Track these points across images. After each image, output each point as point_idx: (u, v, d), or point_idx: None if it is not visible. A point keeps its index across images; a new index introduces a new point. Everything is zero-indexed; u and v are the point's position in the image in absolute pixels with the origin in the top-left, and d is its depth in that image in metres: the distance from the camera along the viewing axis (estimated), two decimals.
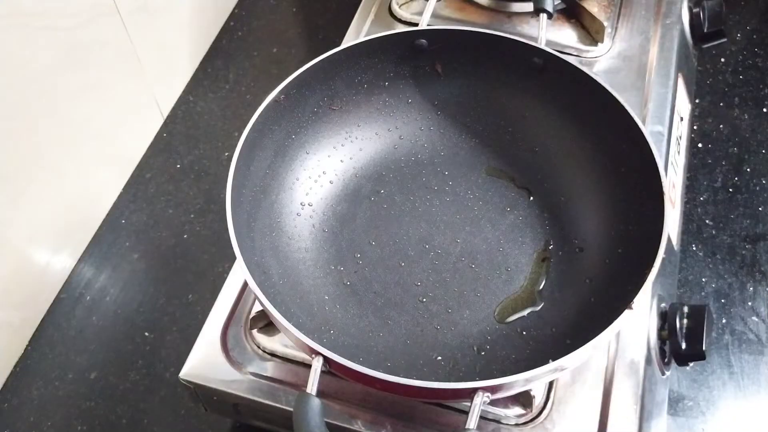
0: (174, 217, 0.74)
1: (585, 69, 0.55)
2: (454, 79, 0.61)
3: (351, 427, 0.50)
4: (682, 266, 0.69)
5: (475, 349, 0.52)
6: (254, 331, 0.54)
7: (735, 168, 0.76)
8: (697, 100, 0.80)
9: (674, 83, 0.67)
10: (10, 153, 0.59)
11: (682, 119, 0.68)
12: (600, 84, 0.54)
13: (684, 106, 0.70)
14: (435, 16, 0.70)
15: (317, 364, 0.43)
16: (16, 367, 0.66)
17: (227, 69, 0.86)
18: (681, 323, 0.54)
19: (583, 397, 0.51)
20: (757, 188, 0.74)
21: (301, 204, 0.58)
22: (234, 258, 0.46)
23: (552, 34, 0.69)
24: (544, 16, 0.61)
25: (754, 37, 0.87)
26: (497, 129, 0.61)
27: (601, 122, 0.55)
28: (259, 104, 0.53)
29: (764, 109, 0.80)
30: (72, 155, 0.67)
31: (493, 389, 0.43)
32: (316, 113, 0.59)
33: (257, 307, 0.55)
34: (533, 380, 0.44)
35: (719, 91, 0.82)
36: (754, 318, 0.66)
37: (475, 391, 0.42)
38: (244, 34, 0.89)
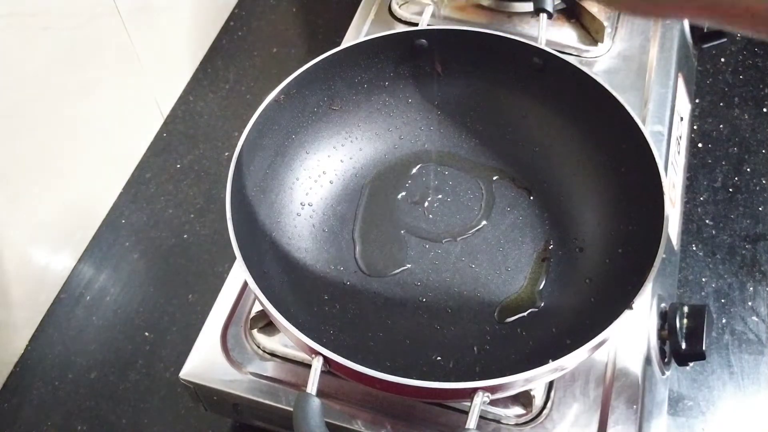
0: (174, 217, 0.74)
1: (585, 69, 0.55)
2: (454, 79, 0.61)
3: (351, 427, 0.50)
4: (682, 266, 0.69)
5: (475, 349, 0.51)
6: (254, 331, 0.54)
7: (735, 168, 0.76)
8: (697, 100, 0.80)
9: (674, 83, 0.67)
10: (10, 153, 0.59)
11: (682, 119, 0.68)
12: (600, 84, 0.54)
13: (684, 106, 0.70)
14: (435, 16, 0.70)
15: (317, 364, 0.43)
16: (16, 367, 0.66)
17: (227, 69, 0.86)
18: (681, 323, 0.54)
19: (583, 397, 0.51)
20: (757, 188, 0.74)
21: (301, 204, 0.58)
22: (234, 258, 0.46)
23: (552, 34, 0.69)
24: (544, 16, 0.61)
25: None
26: (497, 129, 0.61)
27: (601, 122, 0.55)
28: (259, 104, 0.53)
29: (764, 109, 0.80)
30: (72, 155, 0.67)
31: (493, 389, 0.43)
32: (316, 113, 0.59)
33: (257, 307, 0.55)
34: (533, 380, 0.44)
35: (719, 91, 0.82)
36: (754, 318, 0.66)
37: (475, 391, 0.42)
38: (244, 34, 0.89)
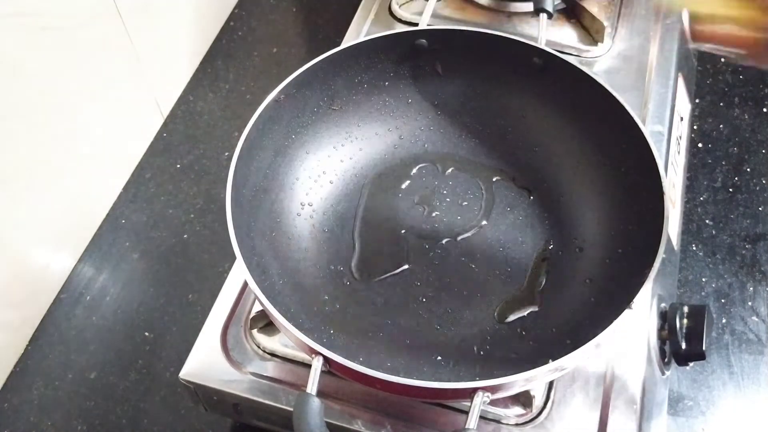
0: (174, 217, 0.74)
1: (585, 69, 0.55)
2: (454, 79, 0.61)
3: (351, 427, 0.50)
4: (682, 266, 0.69)
5: (475, 349, 0.51)
6: (254, 331, 0.54)
7: (735, 168, 0.76)
8: (697, 100, 0.80)
9: (674, 83, 0.67)
10: (10, 153, 0.59)
11: (682, 119, 0.68)
12: (600, 84, 0.54)
13: (684, 106, 0.70)
14: (435, 16, 0.70)
15: (317, 364, 0.43)
16: (16, 367, 0.66)
17: (227, 69, 0.86)
18: (681, 323, 0.54)
19: (583, 396, 0.51)
20: (757, 188, 0.74)
21: (301, 204, 0.58)
22: (234, 258, 0.46)
23: (552, 34, 0.69)
24: (544, 16, 0.61)
25: None
26: (497, 129, 0.61)
27: (601, 122, 0.55)
28: (259, 104, 0.53)
29: (764, 109, 0.80)
30: (72, 155, 0.67)
31: (493, 389, 0.43)
32: (316, 113, 0.59)
33: (257, 307, 0.55)
34: (533, 380, 0.44)
35: (719, 91, 0.82)
36: (754, 318, 0.66)
37: (475, 391, 0.42)
38: (244, 34, 0.89)
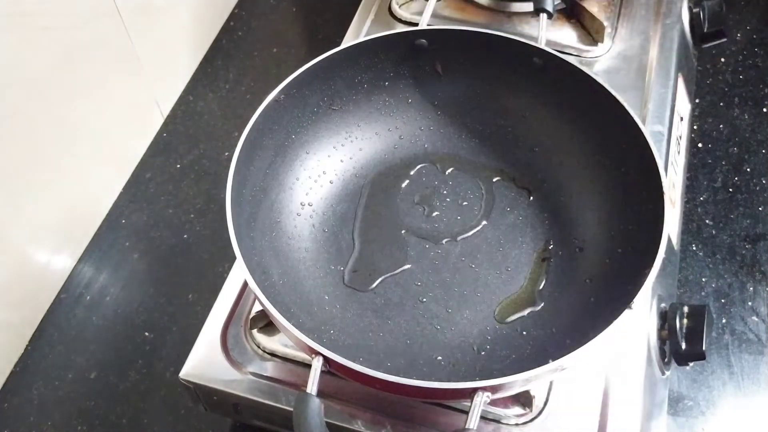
0: (174, 217, 0.74)
1: (585, 69, 0.55)
2: (454, 79, 0.61)
3: (351, 427, 0.50)
4: (682, 266, 0.69)
5: (475, 349, 0.51)
6: (254, 331, 0.54)
7: (735, 168, 0.76)
8: (697, 100, 0.80)
9: (674, 83, 0.67)
10: (10, 153, 0.59)
11: (682, 119, 0.68)
12: (600, 84, 0.54)
13: (684, 106, 0.70)
14: (435, 16, 0.70)
15: (317, 364, 0.43)
16: (16, 367, 0.66)
17: (227, 69, 0.86)
18: (681, 323, 0.54)
19: (583, 397, 0.51)
20: (757, 188, 0.74)
21: (301, 204, 0.58)
22: (234, 258, 0.46)
23: (552, 34, 0.69)
24: (544, 16, 0.61)
25: (754, 37, 0.87)
26: (497, 129, 0.61)
27: (602, 122, 0.55)
28: (259, 104, 0.53)
29: (764, 109, 0.80)
30: (72, 155, 0.67)
31: (493, 389, 0.43)
32: (316, 113, 0.59)
33: (257, 307, 0.55)
34: (533, 380, 0.44)
35: (719, 91, 0.82)
36: (754, 318, 0.66)
37: (475, 391, 0.42)
38: (244, 34, 0.89)
